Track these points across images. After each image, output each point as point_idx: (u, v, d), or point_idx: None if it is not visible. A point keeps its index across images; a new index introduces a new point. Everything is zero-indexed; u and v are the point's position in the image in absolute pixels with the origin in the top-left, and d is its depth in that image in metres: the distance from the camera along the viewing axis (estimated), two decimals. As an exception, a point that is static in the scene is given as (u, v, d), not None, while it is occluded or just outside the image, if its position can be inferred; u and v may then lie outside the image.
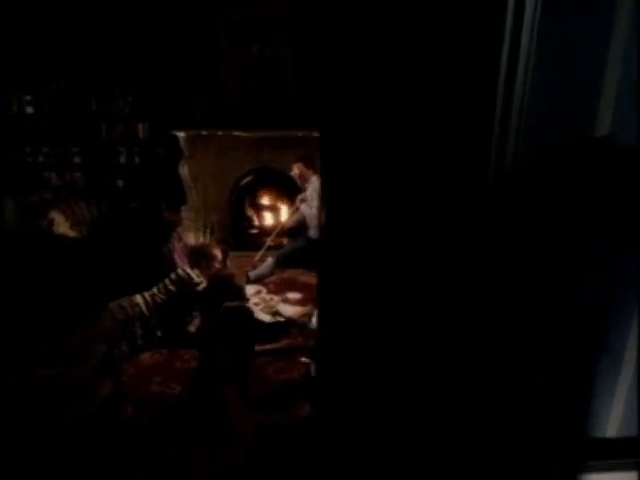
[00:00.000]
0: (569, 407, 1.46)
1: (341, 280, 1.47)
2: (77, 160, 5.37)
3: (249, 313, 2.98)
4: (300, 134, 4.96)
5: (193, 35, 4.89)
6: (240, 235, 5.41)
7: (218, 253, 3.74)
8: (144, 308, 3.34)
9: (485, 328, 1.45)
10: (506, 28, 1.01)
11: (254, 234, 5.49)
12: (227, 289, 3.01)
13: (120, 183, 5.43)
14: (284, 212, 5.46)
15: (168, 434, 2.50)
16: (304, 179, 4.63)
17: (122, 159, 5.38)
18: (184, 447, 2.40)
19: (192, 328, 3.50)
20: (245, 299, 3.24)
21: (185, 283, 3.45)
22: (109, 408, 2.51)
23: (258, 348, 3.17)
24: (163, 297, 3.42)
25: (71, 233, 3.93)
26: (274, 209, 5.54)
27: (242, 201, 5.44)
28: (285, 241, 5.06)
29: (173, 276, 3.50)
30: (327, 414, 1.64)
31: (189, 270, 3.52)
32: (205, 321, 3.19)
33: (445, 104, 1.18)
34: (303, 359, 3.21)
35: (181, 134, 4.98)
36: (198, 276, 3.52)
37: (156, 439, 2.46)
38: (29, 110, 5.23)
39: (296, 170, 4.63)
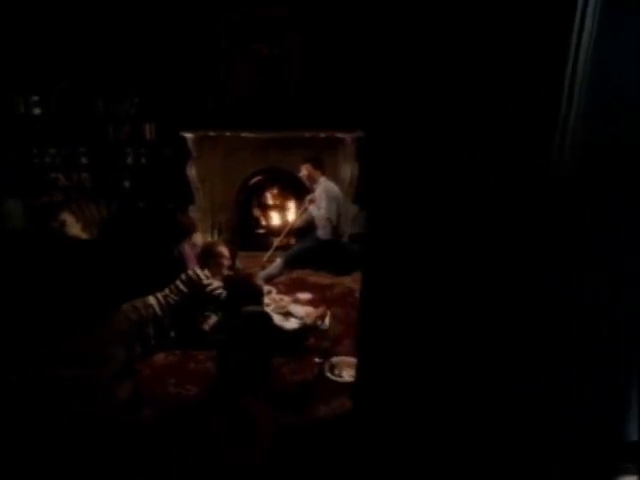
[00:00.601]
0: (586, 408, 1.47)
1: (386, 284, 1.50)
2: (84, 161, 5.38)
3: (268, 319, 3.00)
4: (307, 135, 4.99)
5: (200, 36, 4.90)
6: (247, 235, 5.42)
7: (225, 250, 3.76)
8: (157, 309, 3.37)
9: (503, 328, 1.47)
10: (572, 40, 1.06)
11: (261, 234, 5.51)
12: (246, 291, 3.02)
13: (127, 184, 5.44)
14: (291, 212, 5.48)
15: (176, 434, 2.51)
16: (312, 180, 4.65)
17: (129, 160, 5.39)
18: (205, 447, 2.42)
19: (205, 327, 3.52)
20: (262, 301, 3.24)
21: (195, 284, 3.48)
22: (128, 410, 2.53)
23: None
24: (175, 298, 3.45)
25: (82, 235, 3.95)
26: (281, 209, 5.55)
27: (249, 201, 5.45)
28: (293, 241, 5.08)
29: (183, 277, 3.53)
30: (367, 414, 1.67)
31: (198, 271, 3.55)
32: (223, 323, 3.20)
33: (515, 104, 1.22)
34: (316, 360, 3.24)
35: (189, 135, 5.00)
36: (207, 277, 3.54)
37: (159, 439, 2.48)
38: (36, 111, 5.23)
39: (304, 171, 4.64)
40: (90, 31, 4.95)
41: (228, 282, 3.32)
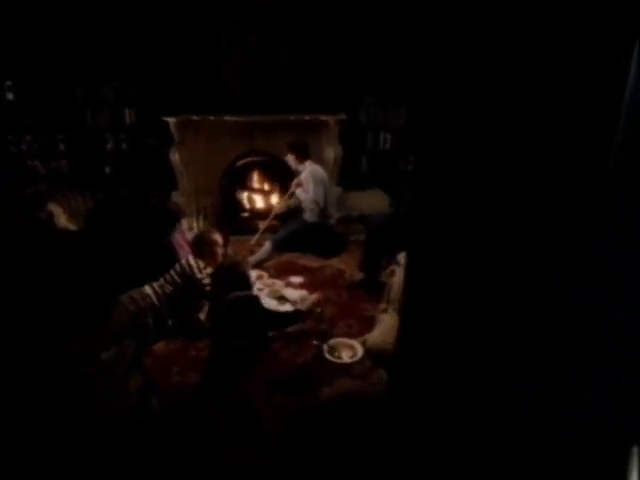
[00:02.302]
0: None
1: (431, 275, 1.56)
2: (62, 148, 5.25)
3: (255, 302, 3.06)
4: (291, 118, 5.00)
5: (191, 22, 4.80)
6: (231, 219, 5.42)
7: (219, 238, 3.77)
8: (154, 299, 3.39)
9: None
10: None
11: (245, 218, 5.52)
12: (233, 278, 3.09)
13: (107, 171, 5.36)
14: (275, 195, 5.52)
15: (180, 429, 2.57)
16: (298, 164, 4.67)
17: (109, 146, 5.30)
18: (207, 445, 2.45)
19: (201, 316, 3.57)
20: (250, 287, 3.31)
21: (187, 275, 3.51)
22: (139, 401, 2.58)
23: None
24: (171, 288, 3.48)
25: (70, 226, 3.89)
26: (265, 192, 5.57)
27: (233, 185, 5.44)
28: (278, 224, 5.10)
29: (177, 267, 3.56)
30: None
31: (192, 261, 3.56)
32: (212, 310, 3.25)
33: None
34: (314, 342, 3.34)
35: (171, 119, 4.93)
36: (201, 269, 3.55)
37: (162, 434, 2.51)
38: (9, 96, 5.04)
39: (290, 159, 4.66)
40: (71, 15, 4.77)
41: (215, 270, 3.37)
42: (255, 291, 3.93)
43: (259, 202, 5.59)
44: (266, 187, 5.56)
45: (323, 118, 5.03)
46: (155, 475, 2.30)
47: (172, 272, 3.53)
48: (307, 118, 5.01)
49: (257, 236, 4.86)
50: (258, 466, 2.33)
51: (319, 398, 2.85)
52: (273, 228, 4.96)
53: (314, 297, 3.67)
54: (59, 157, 5.26)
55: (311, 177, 4.57)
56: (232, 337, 2.95)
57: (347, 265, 4.56)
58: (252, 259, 4.46)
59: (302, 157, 4.63)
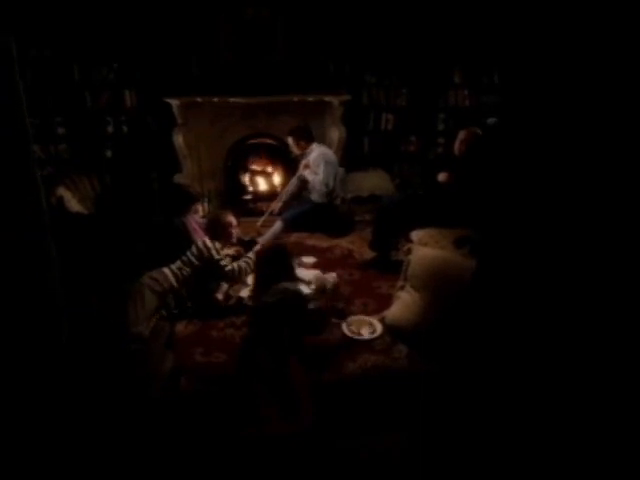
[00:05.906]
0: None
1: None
2: (61, 131, 5.15)
3: (302, 300, 3.06)
4: (295, 99, 4.97)
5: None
6: (235, 201, 5.39)
7: (233, 220, 3.79)
8: (173, 280, 3.41)
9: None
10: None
11: (248, 200, 5.50)
12: (277, 262, 3.09)
13: (108, 154, 5.28)
14: (278, 177, 5.51)
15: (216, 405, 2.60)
16: (303, 149, 4.67)
17: (110, 129, 5.21)
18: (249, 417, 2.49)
19: (219, 296, 3.60)
20: (293, 271, 3.30)
21: (205, 257, 3.52)
22: (170, 381, 2.61)
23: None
24: (188, 270, 3.49)
25: (82, 209, 3.87)
26: (268, 174, 5.55)
27: (237, 168, 5.41)
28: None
29: (194, 249, 3.57)
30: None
31: (209, 243, 3.58)
32: (258, 293, 3.20)
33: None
34: (334, 320, 3.39)
35: (174, 101, 4.87)
36: (218, 250, 3.57)
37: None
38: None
39: (292, 142, 4.67)
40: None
41: (259, 253, 3.34)
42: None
43: (262, 184, 5.58)
44: (269, 169, 5.54)
45: (327, 99, 5.02)
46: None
47: (189, 254, 3.54)
48: (311, 99, 4.99)
49: (264, 217, 4.87)
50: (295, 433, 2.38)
51: (345, 373, 2.93)
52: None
53: (328, 275, 3.69)
54: (58, 141, 5.16)
55: (322, 158, 4.58)
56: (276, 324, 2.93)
57: (355, 245, 4.61)
58: (262, 239, 4.48)
59: (306, 142, 4.64)
